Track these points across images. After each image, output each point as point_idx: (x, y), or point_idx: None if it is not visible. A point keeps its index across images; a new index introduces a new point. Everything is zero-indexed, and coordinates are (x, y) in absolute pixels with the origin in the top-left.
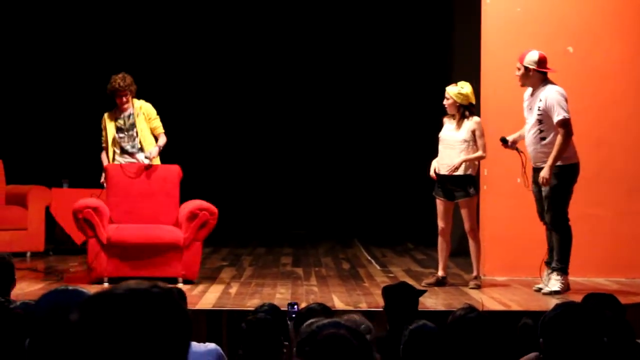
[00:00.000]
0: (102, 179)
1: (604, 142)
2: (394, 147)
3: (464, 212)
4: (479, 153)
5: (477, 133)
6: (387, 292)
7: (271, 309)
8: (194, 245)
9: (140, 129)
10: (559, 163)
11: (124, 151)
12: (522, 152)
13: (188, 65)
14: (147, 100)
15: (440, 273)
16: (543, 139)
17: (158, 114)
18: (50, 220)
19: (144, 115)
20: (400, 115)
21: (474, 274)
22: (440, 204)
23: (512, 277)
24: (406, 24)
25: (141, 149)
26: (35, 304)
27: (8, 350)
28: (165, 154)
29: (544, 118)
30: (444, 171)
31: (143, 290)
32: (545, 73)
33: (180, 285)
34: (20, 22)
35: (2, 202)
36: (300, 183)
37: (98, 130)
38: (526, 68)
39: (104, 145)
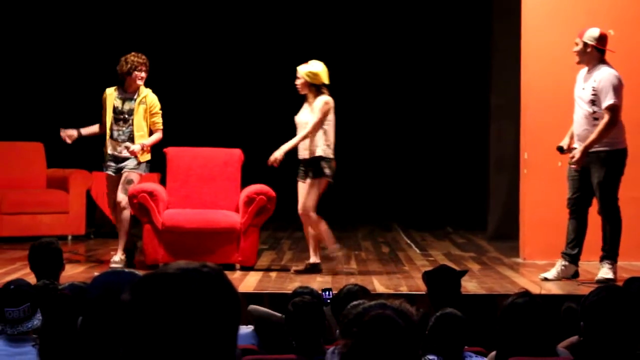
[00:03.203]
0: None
1: None
2: (434, 131)
3: (304, 192)
4: (306, 130)
5: (315, 109)
6: (428, 276)
7: (310, 292)
8: (251, 231)
9: (137, 119)
10: (606, 148)
11: (110, 137)
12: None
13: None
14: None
15: (312, 260)
16: (595, 119)
17: (219, 99)
18: (91, 204)
19: (146, 106)
20: (440, 101)
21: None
22: (300, 187)
23: (552, 261)
24: (446, 14)
25: (131, 140)
26: (88, 284)
27: (57, 330)
28: (228, 138)
29: (597, 99)
30: (300, 155)
31: (193, 269)
32: (603, 52)
33: (237, 272)
34: (59, 13)
35: (44, 186)
36: (340, 167)
37: None
38: (585, 44)
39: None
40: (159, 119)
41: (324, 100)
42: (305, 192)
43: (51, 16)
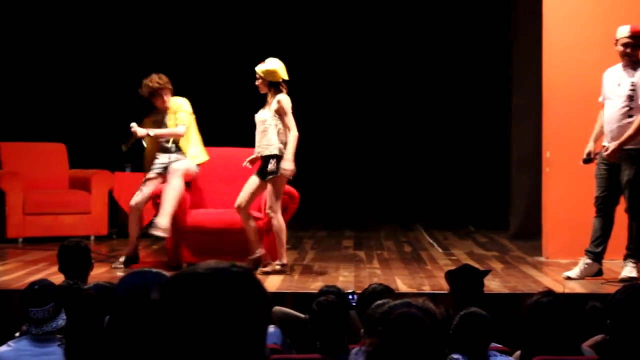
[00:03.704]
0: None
1: None
2: (456, 131)
3: (269, 190)
4: (293, 134)
5: (281, 109)
6: (451, 275)
7: (337, 291)
8: None
9: (169, 126)
10: (638, 147)
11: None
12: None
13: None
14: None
15: (258, 254)
16: (630, 116)
17: (241, 99)
18: (113, 204)
19: (173, 114)
20: (462, 100)
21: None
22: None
23: (575, 260)
24: (467, 14)
25: (167, 147)
26: (114, 284)
27: (83, 330)
28: (250, 138)
29: (635, 94)
30: (261, 153)
31: (223, 269)
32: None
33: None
34: (83, 11)
35: (66, 186)
36: (362, 166)
37: None
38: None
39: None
40: (180, 116)
41: (281, 99)
42: (269, 190)
43: (76, 18)
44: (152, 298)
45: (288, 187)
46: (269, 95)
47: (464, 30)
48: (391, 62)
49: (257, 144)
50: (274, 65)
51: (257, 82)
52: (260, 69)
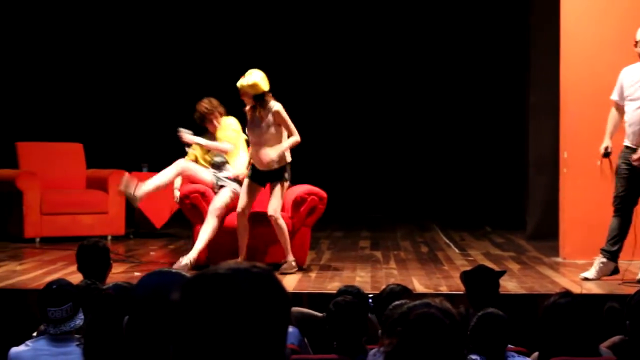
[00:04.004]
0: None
1: None
2: (472, 130)
3: (276, 194)
4: (293, 139)
5: (280, 119)
6: (466, 276)
7: (356, 292)
8: (302, 231)
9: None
10: None
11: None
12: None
13: (291, 55)
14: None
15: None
16: None
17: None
18: (130, 204)
19: (222, 128)
20: (478, 99)
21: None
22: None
23: (592, 260)
24: (484, 11)
25: (220, 165)
26: (134, 284)
27: (102, 330)
28: None
29: None
30: (259, 167)
31: (244, 269)
32: None
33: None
34: (99, 11)
35: (83, 186)
36: (378, 166)
37: (177, 113)
38: None
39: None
40: (227, 135)
41: (276, 108)
42: (277, 193)
43: (96, 19)
44: (172, 298)
45: (315, 188)
46: (258, 109)
47: (482, 30)
48: (408, 61)
49: (260, 157)
50: (254, 78)
51: (242, 97)
52: (241, 83)
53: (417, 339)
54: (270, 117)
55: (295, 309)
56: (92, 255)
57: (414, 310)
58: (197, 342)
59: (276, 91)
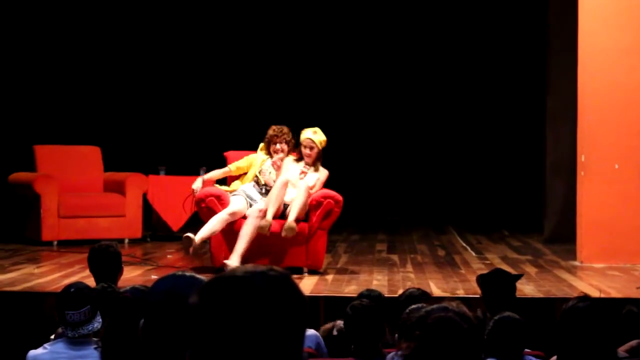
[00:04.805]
0: (196, 185)
1: None
2: (490, 134)
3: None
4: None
5: (322, 182)
6: (482, 280)
7: (377, 296)
8: (319, 235)
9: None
10: None
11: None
12: None
13: (315, 60)
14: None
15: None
16: None
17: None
18: (147, 207)
19: None
20: (496, 103)
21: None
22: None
23: (610, 264)
24: (502, 16)
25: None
26: (150, 288)
27: (120, 333)
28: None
29: None
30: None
31: (261, 272)
32: None
33: (305, 276)
34: (118, 15)
35: (101, 189)
36: (394, 169)
37: (193, 117)
38: None
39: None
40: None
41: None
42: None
43: (113, 22)
44: (190, 301)
45: (331, 192)
46: (310, 163)
47: (500, 35)
48: (427, 65)
49: (285, 198)
50: (324, 137)
51: (310, 152)
52: (317, 139)
53: (435, 343)
54: (321, 174)
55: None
56: (104, 259)
57: (432, 314)
58: (215, 345)
59: (297, 96)
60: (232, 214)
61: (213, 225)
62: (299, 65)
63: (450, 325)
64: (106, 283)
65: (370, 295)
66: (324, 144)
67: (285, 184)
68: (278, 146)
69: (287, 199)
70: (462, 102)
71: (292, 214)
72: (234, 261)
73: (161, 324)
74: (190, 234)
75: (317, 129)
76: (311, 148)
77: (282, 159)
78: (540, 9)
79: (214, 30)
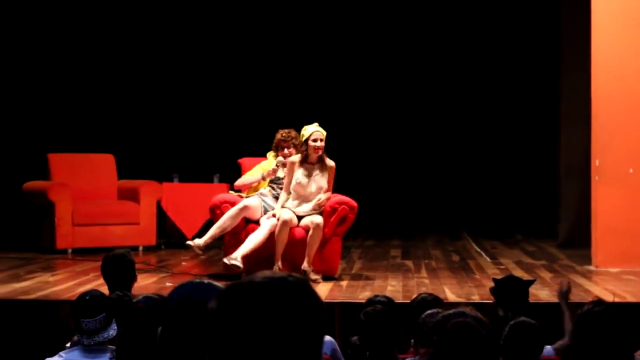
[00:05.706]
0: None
1: None
2: (503, 138)
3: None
4: (329, 194)
5: (332, 176)
6: (495, 286)
7: (387, 301)
8: (333, 240)
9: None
10: None
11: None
12: None
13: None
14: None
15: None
16: None
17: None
18: (161, 215)
19: None
20: (509, 107)
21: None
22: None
23: (625, 269)
24: (515, 18)
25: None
26: (167, 296)
27: (134, 342)
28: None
29: None
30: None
31: (279, 278)
32: None
33: (320, 282)
34: (129, 21)
35: (115, 197)
36: (408, 175)
37: (207, 125)
38: None
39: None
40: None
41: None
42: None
43: (128, 31)
44: (208, 307)
45: (346, 198)
46: (318, 159)
47: (514, 38)
48: (440, 71)
49: (303, 204)
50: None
51: (321, 144)
52: (323, 131)
53: (453, 348)
54: (330, 170)
55: None
56: (117, 267)
57: (450, 320)
58: (233, 351)
59: (312, 101)
60: (244, 208)
61: (223, 222)
62: (315, 72)
63: (468, 331)
64: (121, 291)
65: (381, 301)
66: (324, 134)
67: (287, 224)
68: (286, 151)
69: (300, 211)
70: (476, 107)
71: (308, 256)
72: (235, 257)
73: (179, 331)
74: (190, 242)
75: (316, 124)
76: (321, 140)
77: (287, 156)
78: (553, 13)
79: (227, 37)
